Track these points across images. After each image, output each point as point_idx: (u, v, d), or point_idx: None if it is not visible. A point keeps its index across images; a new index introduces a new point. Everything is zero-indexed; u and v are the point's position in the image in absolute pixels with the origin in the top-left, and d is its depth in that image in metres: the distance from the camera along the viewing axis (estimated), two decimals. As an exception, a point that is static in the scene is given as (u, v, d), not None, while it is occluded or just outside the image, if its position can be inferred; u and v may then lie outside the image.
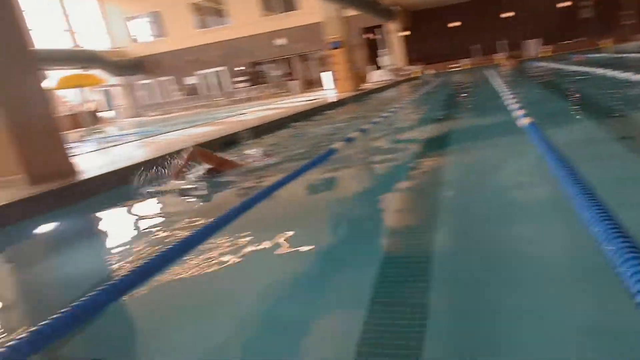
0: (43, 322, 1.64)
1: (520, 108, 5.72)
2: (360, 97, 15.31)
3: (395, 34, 26.45)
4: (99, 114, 25.09)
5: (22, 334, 1.60)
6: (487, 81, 13.36)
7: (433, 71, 25.00)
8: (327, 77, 21.63)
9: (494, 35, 25.88)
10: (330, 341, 1.69)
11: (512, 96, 7.66)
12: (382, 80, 21.34)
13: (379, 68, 24.67)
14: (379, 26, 25.35)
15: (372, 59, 25.18)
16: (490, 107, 8.01)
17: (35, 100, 5.39)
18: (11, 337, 1.87)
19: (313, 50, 26.85)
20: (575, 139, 4.27)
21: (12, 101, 5.09)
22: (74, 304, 1.76)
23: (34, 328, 1.62)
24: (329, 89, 20.80)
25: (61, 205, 4.33)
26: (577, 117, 5.90)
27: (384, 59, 23.42)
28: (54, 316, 1.68)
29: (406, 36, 27.16)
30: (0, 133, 4.96)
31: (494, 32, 26.09)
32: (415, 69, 25.79)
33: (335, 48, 17.42)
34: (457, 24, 27.56)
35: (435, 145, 5.35)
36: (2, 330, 2.17)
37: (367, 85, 20.21)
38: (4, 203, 4.04)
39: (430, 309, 1.72)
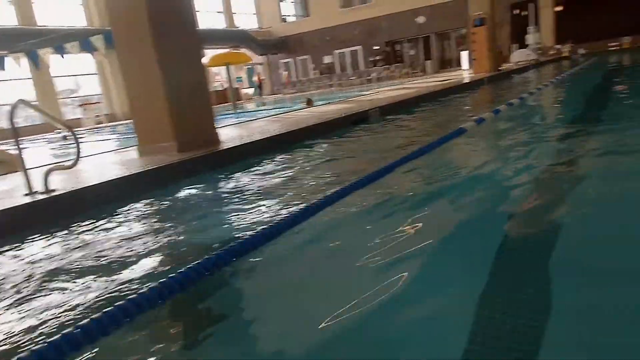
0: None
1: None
2: (497, 78, 14.56)
3: (547, 9, 24.26)
4: (243, 91, 27.30)
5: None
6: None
7: (585, 51, 22.46)
8: (464, 57, 20.79)
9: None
10: None
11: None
12: (525, 60, 19.89)
13: (525, 47, 22.90)
14: (531, 1, 23.42)
15: (518, 37, 23.43)
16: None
17: (195, 76, 5.94)
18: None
19: (453, 29, 25.88)
20: None
21: (176, 76, 5.54)
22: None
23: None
24: (465, 69, 20.02)
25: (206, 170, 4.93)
26: None
27: (530, 37, 21.64)
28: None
29: (559, 11, 24.73)
30: (161, 103, 5.49)
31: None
32: (565, 48, 23.43)
33: (478, 25, 16.63)
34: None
35: (573, 139, 4.29)
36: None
37: (507, 66, 19.04)
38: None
39: None
